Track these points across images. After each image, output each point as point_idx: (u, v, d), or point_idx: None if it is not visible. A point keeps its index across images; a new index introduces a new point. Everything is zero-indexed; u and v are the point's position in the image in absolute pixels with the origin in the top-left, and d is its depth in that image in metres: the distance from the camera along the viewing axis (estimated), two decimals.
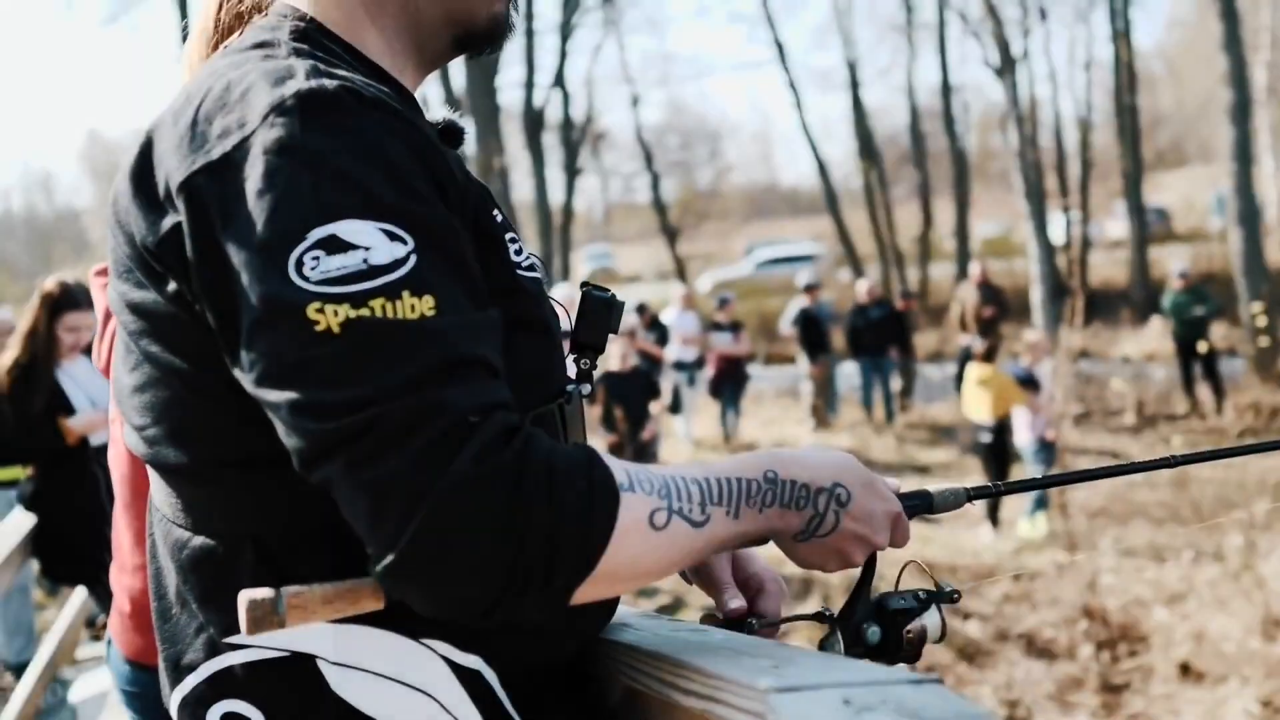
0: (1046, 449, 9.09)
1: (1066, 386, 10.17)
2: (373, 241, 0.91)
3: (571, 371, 1.23)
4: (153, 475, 1.13)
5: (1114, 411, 13.69)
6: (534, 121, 23.37)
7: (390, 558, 0.88)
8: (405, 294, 0.90)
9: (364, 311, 0.89)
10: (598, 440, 9.89)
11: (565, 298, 12.43)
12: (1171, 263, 17.29)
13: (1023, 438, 9.18)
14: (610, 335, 1.26)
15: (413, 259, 0.91)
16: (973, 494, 1.27)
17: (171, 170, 0.97)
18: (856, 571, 1.19)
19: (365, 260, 0.90)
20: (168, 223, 0.97)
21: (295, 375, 0.90)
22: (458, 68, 20.09)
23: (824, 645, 1.18)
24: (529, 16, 22.80)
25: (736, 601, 1.25)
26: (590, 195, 49.83)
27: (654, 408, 9.89)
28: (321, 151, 0.92)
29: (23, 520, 4.72)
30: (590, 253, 42.52)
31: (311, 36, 1.09)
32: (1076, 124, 27.32)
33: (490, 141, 19.66)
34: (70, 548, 4.73)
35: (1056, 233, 24.90)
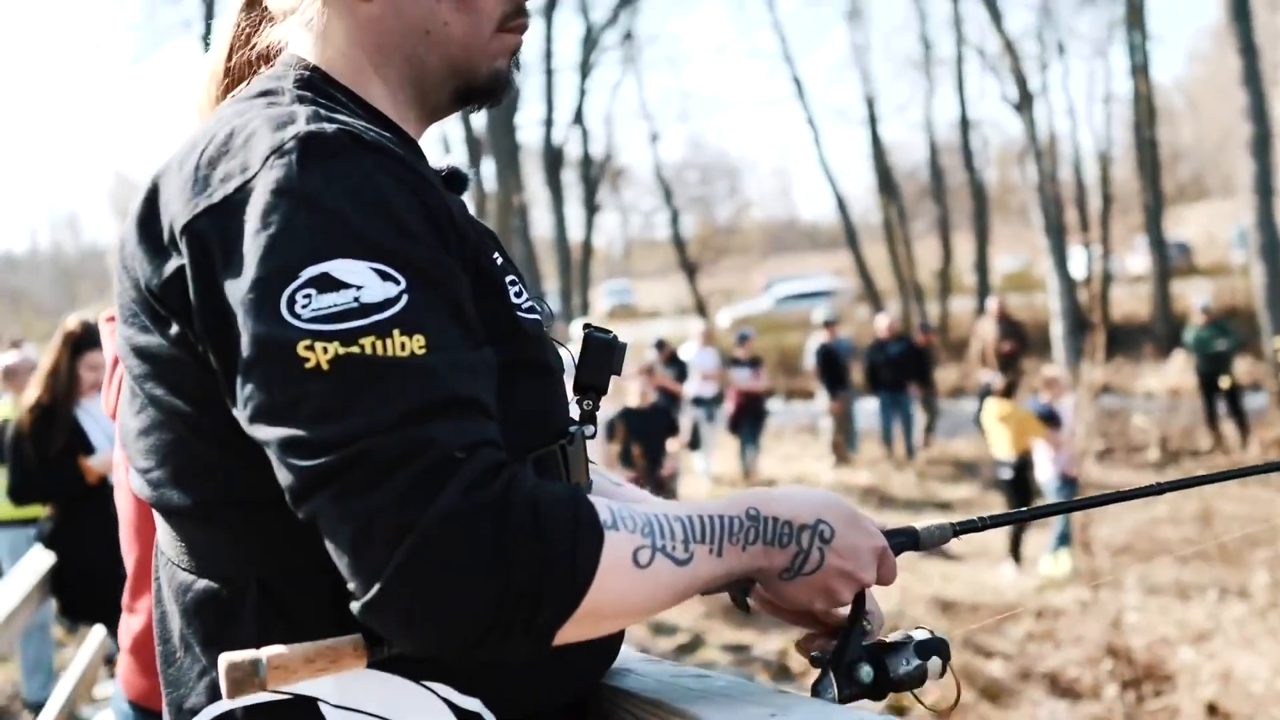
0: (1069, 485, 9.03)
1: (1088, 422, 10.10)
2: (365, 280, 0.92)
3: (575, 413, 1.23)
4: (158, 519, 1.14)
5: (1137, 447, 13.59)
6: (553, 159, 23.53)
7: (373, 591, 0.88)
8: (396, 332, 0.91)
9: (354, 349, 0.90)
10: (616, 477, 9.84)
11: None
12: (1193, 297, 17.20)
13: (1045, 474, 9.12)
14: (613, 376, 1.27)
15: (405, 298, 0.93)
16: (959, 529, 1.26)
17: (176, 214, 0.99)
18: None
19: (357, 298, 0.91)
20: (171, 266, 0.99)
21: (286, 412, 0.90)
22: None
23: (817, 687, 1.17)
24: (548, 55, 23.02)
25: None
26: (610, 231, 50.05)
27: (673, 444, 9.86)
28: (318, 192, 0.94)
29: (43, 558, 4.74)
30: (610, 288, 42.63)
31: (315, 84, 1.11)
32: (1096, 158, 27.32)
33: (510, 179, 19.79)
34: (89, 586, 4.74)
35: (1077, 267, 24.84)
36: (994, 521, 1.27)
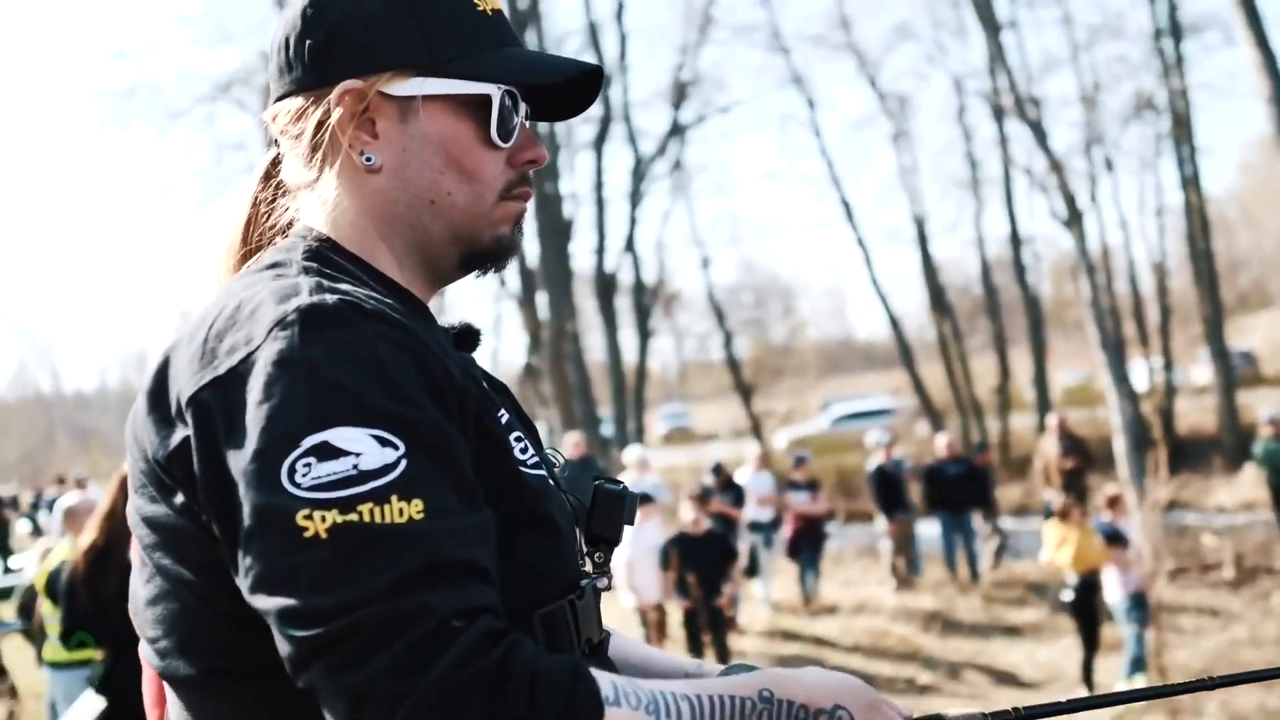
0: (1138, 607, 8.73)
1: (1156, 541, 9.82)
2: (364, 447, 0.93)
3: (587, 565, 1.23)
4: (167, 689, 1.13)
5: (1211, 565, 13.15)
6: (606, 285, 23.85)
7: None
8: (394, 498, 0.92)
9: (352, 516, 0.91)
10: (671, 607, 9.72)
11: (637, 460, 12.45)
12: (1261, 408, 16.84)
13: (1113, 595, 8.85)
14: (625, 527, 1.26)
15: (403, 463, 0.94)
16: (990, 719, 1.18)
17: (183, 387, 1.02)
18: None
19: (355, 466, 0.93)
20: (177, 437, 1.01)
21: (284, 582, 0.91)
22: (531, 237, 20.70)
23: None
24: (599, 186, 23.52)
25: None
26: (665, 354, 50.30)
27: (731, 571, 9.72)
28: (318, 362, 0.96)
29: (94, 702, 4.74)
30: (666, 412, 42.69)
31: (323, 255, 1.14)
32: (1152, 270, 27.12)
33: (564, 306, 20.09)
34: None
35: (1139, 380, 24.47)
36: (1029, 713, 1.16)
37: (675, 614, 9.80)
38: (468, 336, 1.27)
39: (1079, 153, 24.50)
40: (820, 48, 27.22)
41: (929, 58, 27.50)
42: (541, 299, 21.01)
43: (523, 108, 1.22)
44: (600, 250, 23.82)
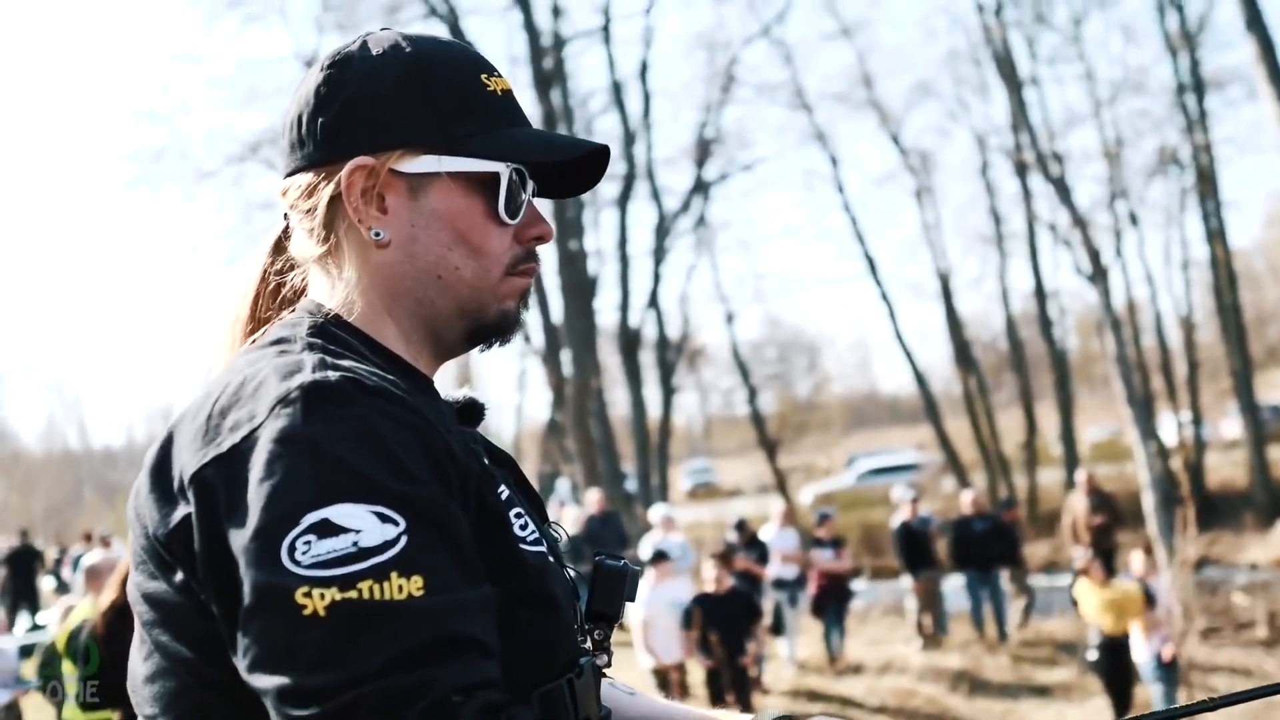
0: (1167, 668, 8.58)
1: (1187, 598, 9.66)
2: (364, 524, 0.94)
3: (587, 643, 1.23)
4: None
5: (1244, 624, 12.92)
6: (630, 341, 23.88)
7: None
8: (393, 575, 0.92)
9: (351, 594, 0.91)
10: (694, 666, 9.63)
11: (662, 518, 12.40)
12: None
13: (1141, 655, 8.70)
14: (627, 603, 1.26)
15: (403, 540, 0.94)
16: None
17: (185, 464, 1.03)
18: None
19: (355, 543, 0.93)
20: (178, 514, 1.02)
21: (283, 660, 0.91)
22: (555, 293, 20.81)
23: None
24: (622, 243, 23.63)
25: None
26: (690, 409, 50.24)
27: (755, 630, 9.63)
28: (320, 439, 0.97)
29: None
30: (690, 468, 42.56)
31: (327, 331, 1.16)
32: (1179, 324, 26.96)
33: (587, 362, 20.11)
34: None
35: (1168, 435, 24.23)
36: None
37: (698, 673, 9.70)
38: (471, 410, 1.28)
39: (1103, 207, 24.45)
40: (842, 105, 27.17)
41: (951, 114, 27.42)
42: (565, 355, 21.06)
43: (530, 185, 1.24)
44: (624, 306, 23.87)
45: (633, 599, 1.27)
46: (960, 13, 33.97)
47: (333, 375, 1.02)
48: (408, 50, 1.21)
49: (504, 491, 1.13)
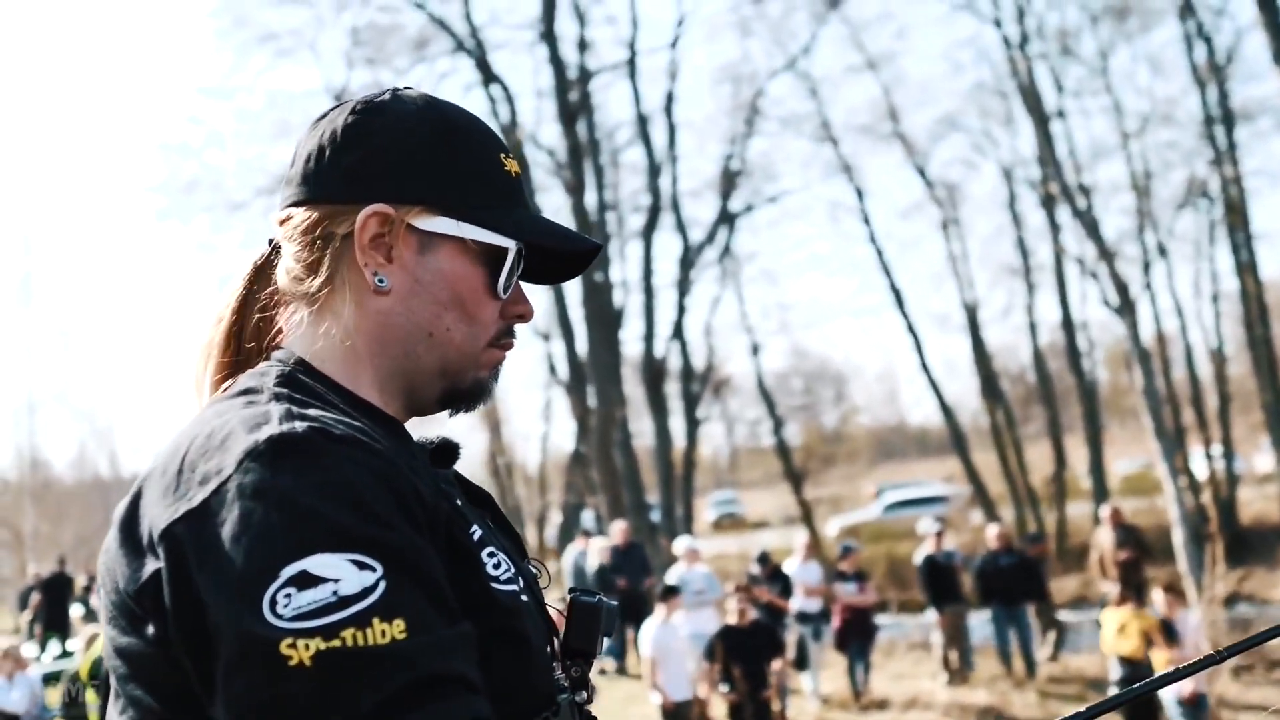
0: (1191, 706, 8.46)
1: (1217, 635, 9.53)
2: (342, 573, 0.95)
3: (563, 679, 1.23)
4: None
5: (1276, 661, 12.72)
6: (655, 372, 23.89)
7: None
8: (375, 620, 0.93)
9: (335, 642, 0.92)
10: (716, 700, 9.57)
11: (686, 550, 12.36)
12: None
13: (1165, 693, 8.58)
14: (604, 639, 1.27)
15: (382, 585, 0.95)
16: None
17: (155, 518, 1.03)
18: None
19: (335, 592, 0.94)
20: (148, 569, 1.02)
21: (269, 713, 0.92)
22: (580, 325, 20.88)
23: None
24: (647, 274, 23.68)
25: None
26: (715, 440, 50.07)
27: (778, 664, 9.56)
28: (291, 491, 0.98)
29: None
30: (716, 499, 42.40)
31: (295, 379, 1.17)
32: (1210, 356, 26.69)
33: (612, 393, 20.13)
34: None
35: (1199, 468, 23.95)
36: None
37: (720, 708, 9.64)
38: (446, 451, 1.30)
39: (1131, 239, 24.30)
40: (868, 137, 27.21)
41: (977, 147, 27.39)
42: (591, 386, 21.09)
43: (521, 265, 1.28)
44: (649, 337, 23.89)
45: (610, 635, 1.28)
46: (986, 46, 34.09)
47: (299, 426, 1.03)
48: (436, 114, 1.25)
49: (476, 531, 1.15)
